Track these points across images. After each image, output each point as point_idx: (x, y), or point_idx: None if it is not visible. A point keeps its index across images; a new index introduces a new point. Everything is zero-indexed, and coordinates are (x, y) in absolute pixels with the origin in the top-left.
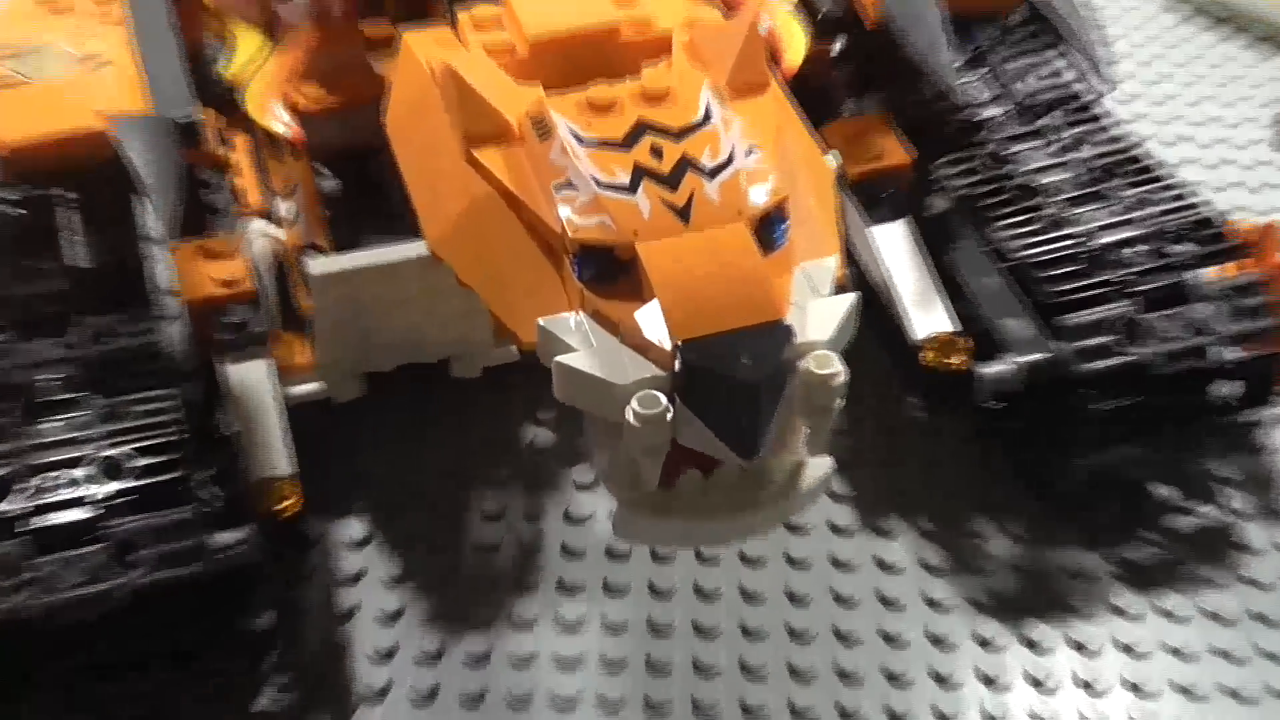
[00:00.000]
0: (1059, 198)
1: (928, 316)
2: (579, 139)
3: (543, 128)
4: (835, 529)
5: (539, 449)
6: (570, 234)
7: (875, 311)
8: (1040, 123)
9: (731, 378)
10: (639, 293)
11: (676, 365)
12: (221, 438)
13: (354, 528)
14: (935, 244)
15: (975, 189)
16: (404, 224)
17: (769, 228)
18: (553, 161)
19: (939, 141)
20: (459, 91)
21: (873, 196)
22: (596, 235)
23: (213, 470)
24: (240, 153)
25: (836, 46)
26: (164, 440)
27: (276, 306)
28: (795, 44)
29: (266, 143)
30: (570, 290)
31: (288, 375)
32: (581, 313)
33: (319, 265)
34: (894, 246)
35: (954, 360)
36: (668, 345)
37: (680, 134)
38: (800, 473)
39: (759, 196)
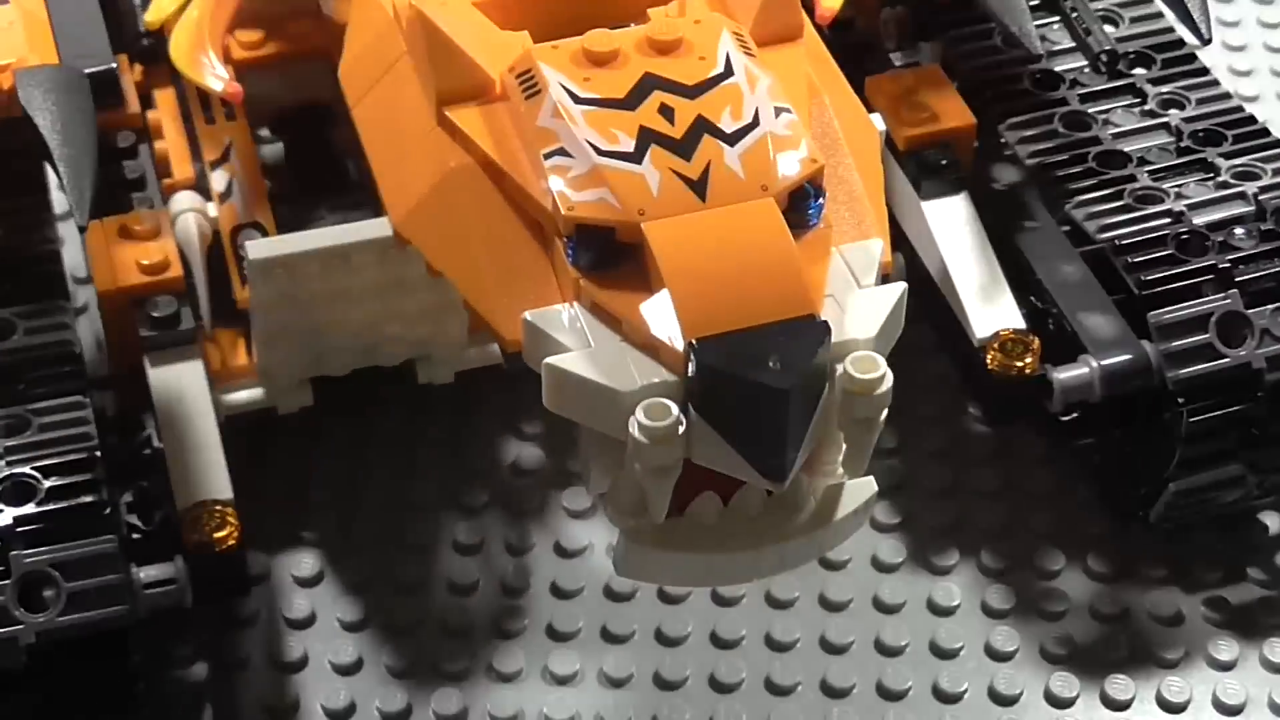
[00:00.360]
0: (1151, 167)
1: (992, 311)
2: (574, 97)
3: (530, 84)
4: (880, 565)
5: (524, 469)
6: (563, 211)
7: (929, 304)
8: (1131, 77)
9: (756, 383)
10: (646, 282)
11: (690, 368)
12: (145, 455)
13: (303, 563)
14: (1001, 223)
15: (1051, 157)
16: (363, 199)
17: (801, 204)
18: (542, 125)
19: (1007, 99)
20: (429, 39)
21: (927, 166)
22: (595, 213)
23: (134, 494)
24: (164, 113)
25: None
26: (76, 457)
27: (208, 298)
28: None
29: (197, 101)
30: (563, 279)
31: (223, 380)
32: (576, 305)
33: (259, 248)
34: (952, 226)
35: (1021, 363)
36: (680, 344)
37: (695, 91)
38: (838, 498)
39: (789, 167)
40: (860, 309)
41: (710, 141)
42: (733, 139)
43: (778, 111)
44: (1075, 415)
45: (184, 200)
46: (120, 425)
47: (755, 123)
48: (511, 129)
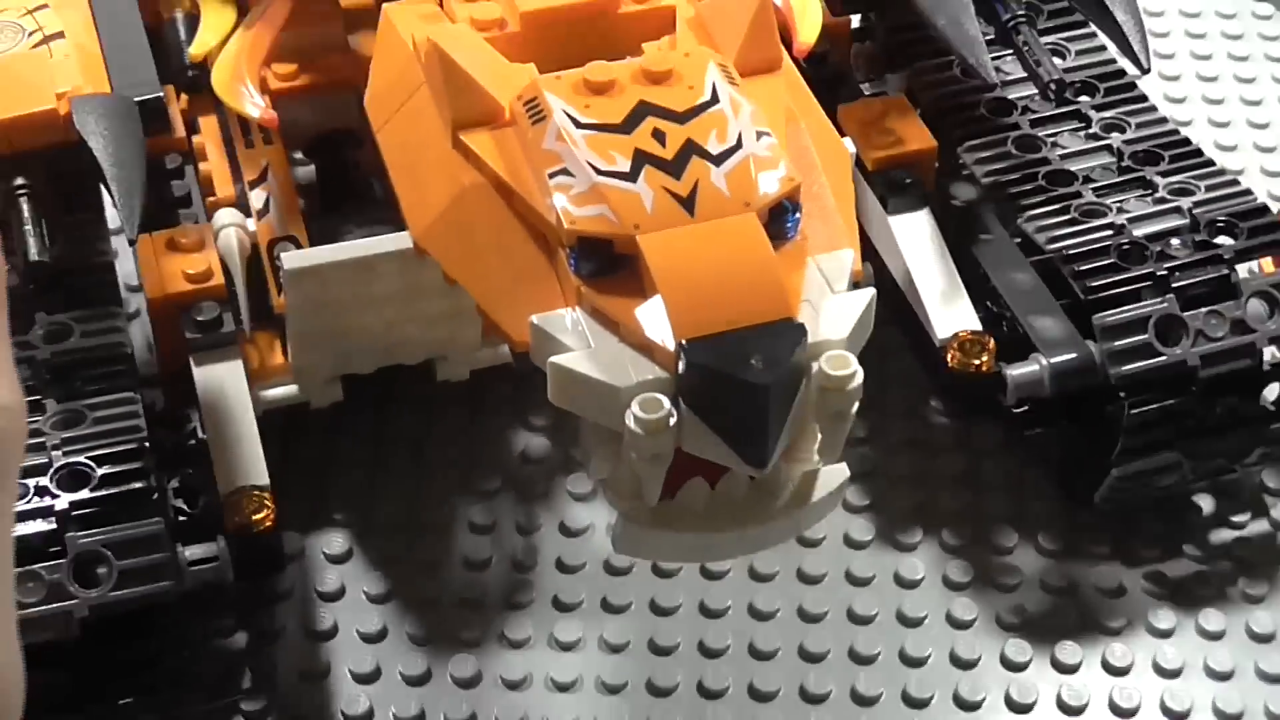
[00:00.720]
0: (1095, 185)
1: (952, 314)
2: (575, 122)
3: (536, 110)
4: (851, 543)
5: (532, 457)
6: (566, 225)
7: (896, 308)
8: (1076, 104)
9: (739, 379)
10: (640, 288)
11: (680, 366)
12: (190, 445)
13: (332, 542)
14: (960, 236)
15: (1004, 175)
16: (386, 215)
17: (780, 218)
18: (547, 147)
19: (965, 124)
20: (445, 70)
21: (893, 184)
22: (594, 227)
23: (180, 480)
24: (207, 137)
25: (854, 22)
26: (127, 447)
27: (248, 304)
28: (810, 20)
29: (237, 127)
30: (566, 286)
31: (261, 378)
32: (578, 310)
33: (293, 259)
34: (916, 238)
35: (978, 361)
36: (671, 345)
37: (684, 117)
38: (813, 482)
39: (769, 185)
40: (833, 312)
41: (698, 162)
42: (718, 160)
43: (759, 135)
44: (1027, 408)
45: (226, 216)
46: (168, 419)
47: (739, 145)
48: (519, 151)
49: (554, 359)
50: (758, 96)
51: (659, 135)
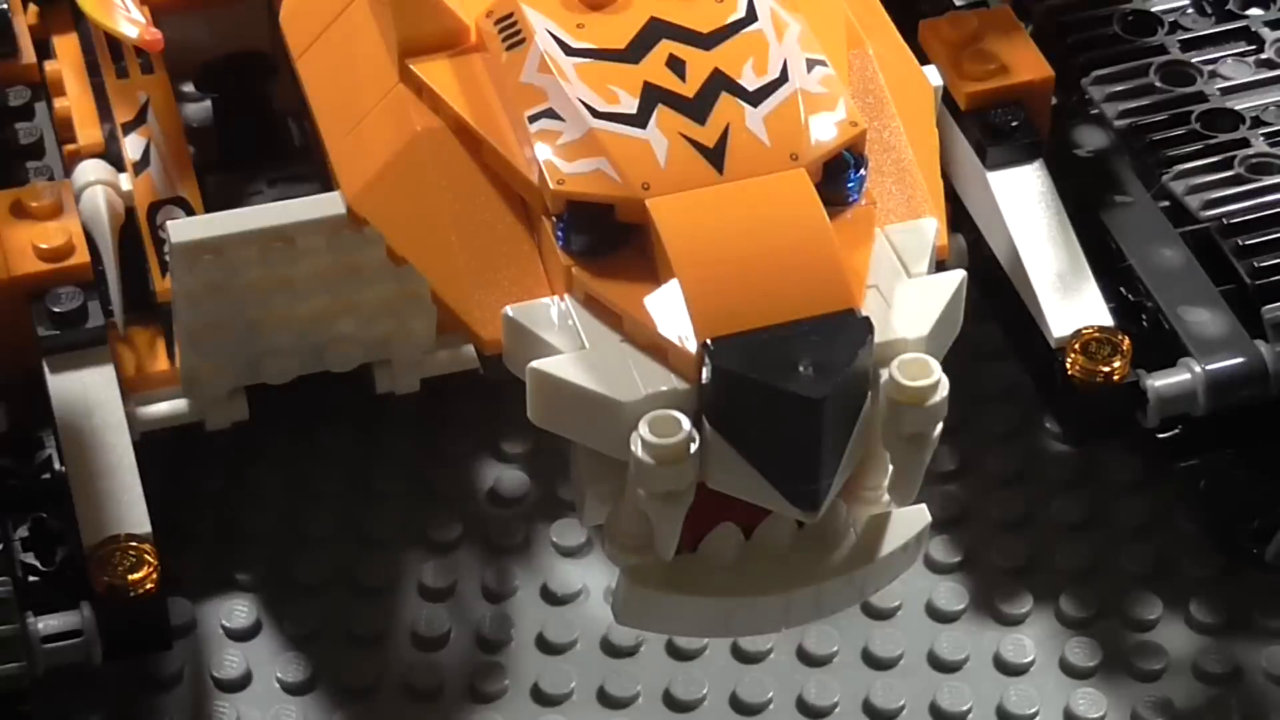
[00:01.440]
0: (1268, 130)
1: (1073, 305)
2: (565, 48)
3: (512, 31)
4: (937, 614)
5: (504, 497)
6: (552, 185)
7: (996, 298)
8: (1244, 19)
9: (784, 391)
10: (651, 270)
11: (705, 374)
12: (44, 480)
13: (235, 612)
14: (1084, 199)
15: (1146, 117)
16: (308, 170)
17: (838, 176)
18: (526, 81)
19: (1093, 46)
20: None
21: (993, 129)
22: (590, 187)
23: (31, 527)
24: (66, 65)
25: None
26: None
27: (121, 289)
28: None
29: (105, 50)
30: (552, 266)
31: (139, 389)
32: (568, 298)
33: (184, 229)
34: (1024, 202)
35: (1108, 368)
36: (692, 345)
37: (711, 40)
38: (883, 530)
39: (824, 131)
40: (910, 303)
41: (728, 101)
42: (755, 98)
43: (810, 64)
44: (1175, 432)
45: (91, 170)
46: (13, 444)
47: (783, 78)
48: (489, 85)
49: (535, 364)
50: (808, 11)
51: (677, 65)
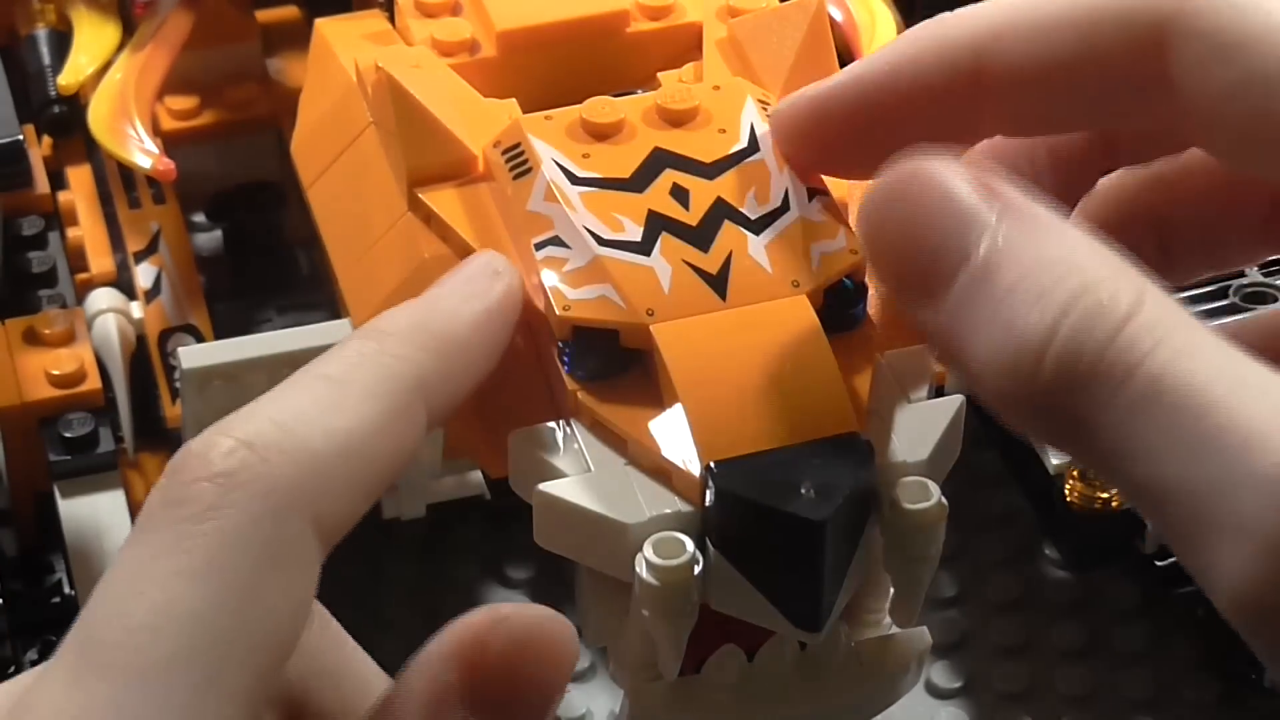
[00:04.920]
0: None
1: None
2: (571, 177)
3: (519, 161)
4: None
5: None
6: (558, 312)
7: (993, 424)
8: None
9: (788, 514)
10: (656, 394)
11: (708, 497)
12: (54, 604)
13: None
14: None
15: None
16: (317, 298)
17: (839, 302)
18: (533, 209)
19: None
20: (400, 109)
21: None
22: (595, 313)
23: (40, 652)
24: (78, 194)
25: None
26: None
27: (131, 415)
28: (881, 39)
29: (118, 180)
30: (557, 391)
31: None
32: (574, 423)
33: (194, 356)
34: None
35: (1106, 494)
36: (696, 468)
37: (713, 170)
38: (885, 652)
39: (825, 259)
40: (910, 427)
41: (731, 229)
42: (758, 226)
43: (811, 193)
44: (1173, 559)
45: (102, 299)
46: (23, 568)
47: (785, 207)
48: (496, 214)
49: (541, 486)
50: None
51: (680, 194)
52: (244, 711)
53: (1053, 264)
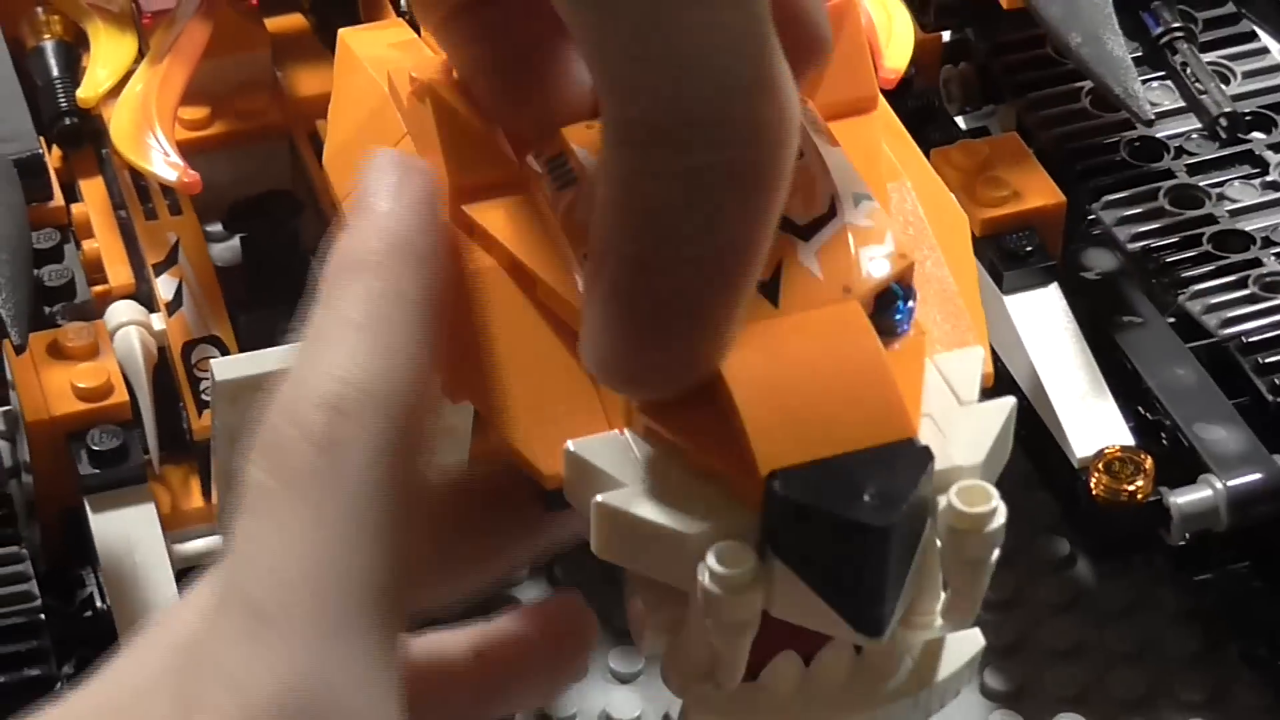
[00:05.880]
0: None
1: (1094, 425)
2: None
3: (564, 171)
4: None
5: None
6: None
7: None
8: (1247, 142)
9: (850, 520)
10: (711, 403)
11: (769, 505)
12: (86, 618)
13: None
14: (1098, 320)
15: (1157, 239)
16: None
17: (888, 307)
18: (581, 220)
19: (1102, 172)
20: (441, 119)
21: (1009, 253)
22: None
23: (76, 666)
24: (93, 206)
25: (945, 35)
26: (16, 621)
27: (156, 428)
28: (899, 38)
29: (132, 192)
30: (611, 401)
31: (174, 526)
32: (628, 432)
33: (226, 368)
34: (1042, 325)
35: (1132, 486)
36: (755, 477)
37: None
38: (939, 655)
39: (874, 264)
40: (964, 430)
41: (780, 236)
42: (806, 232)
43: (856, 199)
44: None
45: (123, 311)
46: (55, 582)
47: (832, 213)
48: (540, 224)
49: (599, 498)
50: (849, 146)
51: None
52: (395, 645)
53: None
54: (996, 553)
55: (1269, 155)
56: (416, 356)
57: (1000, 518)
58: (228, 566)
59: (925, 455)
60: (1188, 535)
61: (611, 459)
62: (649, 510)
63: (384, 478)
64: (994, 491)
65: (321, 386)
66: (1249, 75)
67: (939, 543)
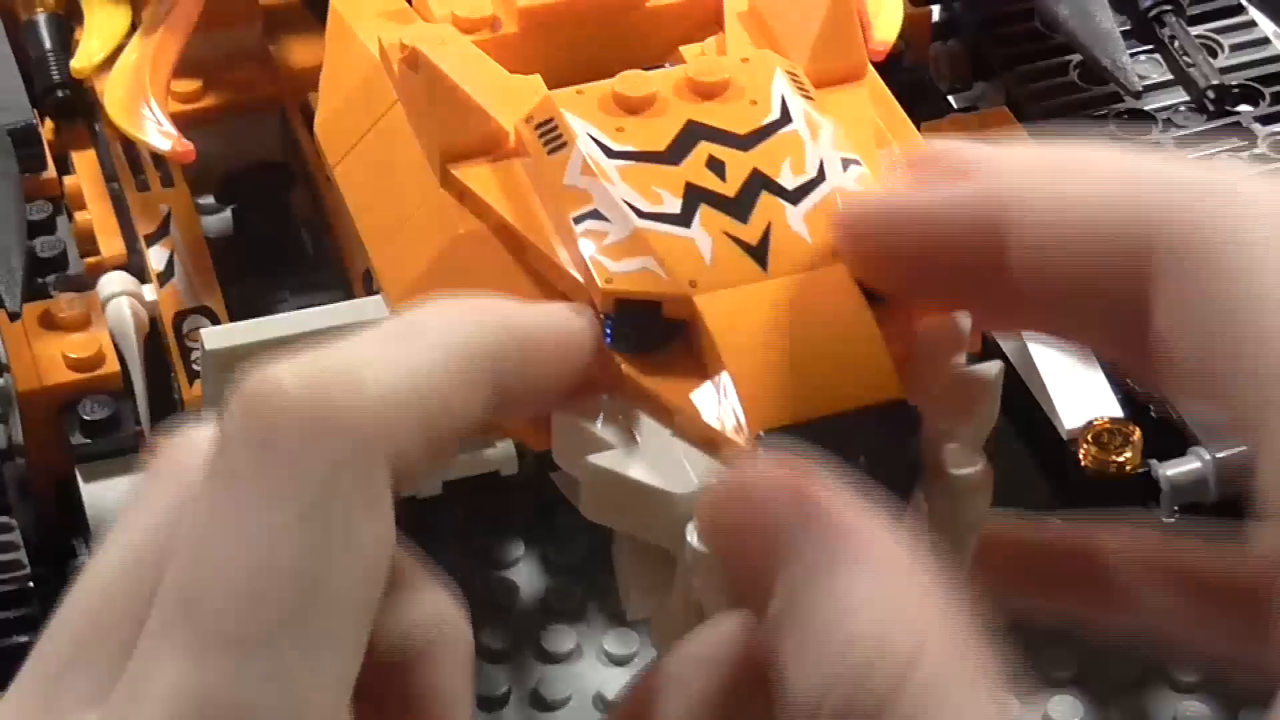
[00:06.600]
0: None
1: (1082, 397)
2: (606, 150)
3: (553, 136)
4: None
5: (548, 605)
6: (600, 284)
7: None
8: (1235, 115)
9: None
10: (700, 365)
11: None
12: None
13: None
14: None
15: None
16: (329, 277)
17: None
18: (570, 184)
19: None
20: (431, 86)
21: None
22: (637, 285)
23: None
24: (84, 178)
25: (935, 12)
26: (6, 589)
27: (147, 398)
28: (889, 12)
29: (124, 163)
30: (601, 364)
31: None
32: (619, 395)
33: (217, 337)
34: None
35: (1120, 458)
36: (745, 438)
37: (748, 141)
38: None
39: None
40: (951, 393)
41: (769, 199)
42: (795, 196)
43: (845, 163)
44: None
45: (115, 282)
46: (47, 552)
47: (820, 177)
48: (530, 189)
49: (589, 459)
50: (838, 113)
51: (716, 166)
52: (354, 659)
53: (834, 610)
54: (984, 514)
55: (1256, 128)
56: (452, 381)
57: (989, 479)
58: (182, 558)
59: (914, 415)
60: (1177, 508)
61: (600, 422)
62: (638, 471)
63: (363, 473)
64: (981, 454)
65: (317, 361)
66: (1236, 48)
67: (926, 504)
